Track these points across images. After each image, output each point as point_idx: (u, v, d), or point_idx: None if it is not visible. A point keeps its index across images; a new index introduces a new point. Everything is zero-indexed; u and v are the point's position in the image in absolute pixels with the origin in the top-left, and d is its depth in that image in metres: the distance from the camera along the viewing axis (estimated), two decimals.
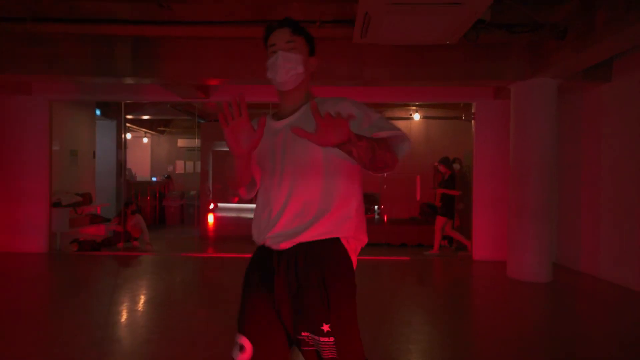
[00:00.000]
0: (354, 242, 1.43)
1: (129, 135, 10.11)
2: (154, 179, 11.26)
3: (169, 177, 11.45)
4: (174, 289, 4.67)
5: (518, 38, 4.36)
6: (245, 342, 1.41)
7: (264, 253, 1.44)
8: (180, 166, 11.82)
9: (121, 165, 8.91)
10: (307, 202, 1.38)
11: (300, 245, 1.37)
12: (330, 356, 1.32)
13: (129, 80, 5.36)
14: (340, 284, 1.36)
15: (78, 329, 3.22)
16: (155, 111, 9.20)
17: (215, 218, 8.87)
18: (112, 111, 8.64)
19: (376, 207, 8.63)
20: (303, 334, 1.36)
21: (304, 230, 1.36)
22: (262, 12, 4.32)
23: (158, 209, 10.27)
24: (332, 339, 1.32)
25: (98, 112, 8.15)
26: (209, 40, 4.95)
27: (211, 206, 9.05)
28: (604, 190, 5.15)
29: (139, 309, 3.83)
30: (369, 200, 8.55)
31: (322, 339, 1.32)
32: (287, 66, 1.41)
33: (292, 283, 1.37)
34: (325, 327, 1.32)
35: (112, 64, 5.05)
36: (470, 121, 6.46)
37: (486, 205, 6.14)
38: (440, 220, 6.67)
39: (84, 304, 3.91)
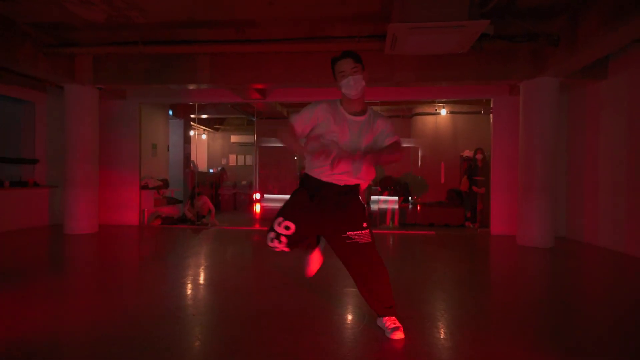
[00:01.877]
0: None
1: (191, 132, 11.62)
2: (210, 170, 12.80)
3: (223, 169, 12.97)
4: (238, 248, 5.99)
5: (519, 46, 5.33)
6: (290, 224, 2.40)
7: (318, 184, 2.39)
8: (232, 159, 13.32)
9: (187, 158, 10.46)
10: (356, 168, 2.39)
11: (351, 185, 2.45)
12: (366, 240, 2.42)
13: (205, 86, 6.73)
14: (364, 206, 2.54)
15: (170, 274, 4.58)
16: (216, 111, 10.66)
17: (262, 207, 10.21)
18: (180, 111, 10.19)
19: (410, 197, 9.60)
20: (349, 232, 2.40)
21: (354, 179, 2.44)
22: (312, 31, 5.54)
23: (214, 196, 11.76)
24: (368, 230, 2.46)
25: (170, 112, 9.68)
26: (271, 55, 6.21)
27: (257, 196, 10.38)
28: (602, 173, 6.01)
29: (209, 262, 5.16)
30: (403, 189, 9.54)
31: (363, 231, 2.43)
32: (357, 85, 2.28)
33: (341, 201, 2.42)
34: (365, 224, 2.46)
35: (194, 74, 6.43)
36: (489, 115, 7.40)
37: (502, 189, 7.08)
38: None
39: (174, 258, 5.29)
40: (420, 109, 9.48)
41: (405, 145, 10.09)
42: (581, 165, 6.54)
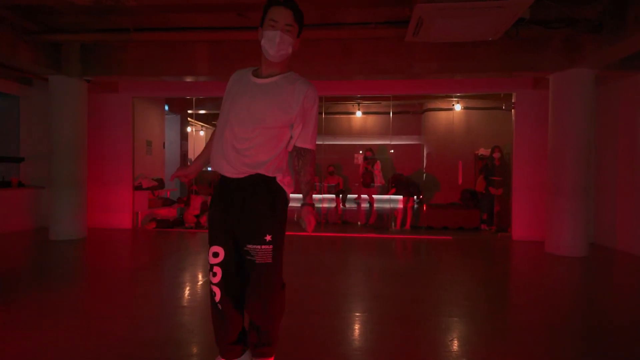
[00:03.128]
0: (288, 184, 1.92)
1: (188, 129, 11.07)
2: (209, 168, 12.23)
3: None
4: None
5: (552, 34, 4.78)
6: (219, 249, 1.85)
7: (225, 182, 1.86)
8: None
9: (184, 155, 9.89)
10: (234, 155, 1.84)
11: (253, 176, 1.82)
12: (263, 261, 1.79)
13: (204, 79, 6.16)
14: (281, 211, 1.86)
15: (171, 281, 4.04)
16: (215, 105, 10.08)
17: None
18: (177, 106, 9.62)
19: (415, 197, 9.05)
20: (248, 246, 1.80)
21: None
22: (324, 17, 4.97)
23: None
24: (270, 246, 1.80)
25: (166, 107, 9.10)
26: None
27: None
28: (638, 175, 5.48)
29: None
30: (414, 189, 8.96)
31: (263, 247, 1.78)
32: (281, 46, 1.77)
33: (246, 203, 1.82)
34: (268, 238, 1.79)
35: (192, 65, 5.86)
36: (510, 111, 6.87)
37: (525, 189, 6.56)
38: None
39: (169, 270, 4.75)
40: (432, 104, 8.94)
41: (414, 142, 9.58)
42: (613, 166, 6.01)
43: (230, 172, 1.83)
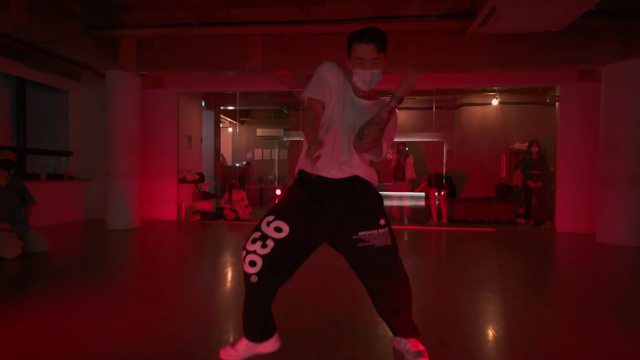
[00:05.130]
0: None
1: (221, 125, 11.18)
2: (237, 164, 12.38)
3: (248, 163, 12.55)
4: None
5: (607, 25, 4.86)
6: (283, 225, 1.81)
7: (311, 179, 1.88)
8: (258, 154, 12.88)
9: (217, 151, 10.01)
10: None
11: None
12: (384, 243, 1.85)
13: (257, 73, 6.28)
14: (381, 198, 1.95)
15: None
16: (247, 102, 10.19)
17: None
18: (212, 102, 9.73)
19: (437, 193, 9.06)
20: (360, 233, 1.83)
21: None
22: (384, 10, 5.08)
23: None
24: (387, 229, 1.88)
25: (202, 103, 9.22)
26: (328, 36, 5.74)
27: (278, 192, 9.92)
28: None
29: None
30: (448, 183, 9.01)
31: (380, 230, 1.85)
32: (373, 82, 1.84)
33: (347, 198, 1.86)
34: (382, 222, 1.87)
35: (245, 59, 5.96)
36: (554, 105, 6.93)
37: (570, 182, 6.62)
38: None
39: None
40: (466, 99, 9.01)
41: (435, 139, 9.63)
42: None
43: (328, 174, 1.86)
